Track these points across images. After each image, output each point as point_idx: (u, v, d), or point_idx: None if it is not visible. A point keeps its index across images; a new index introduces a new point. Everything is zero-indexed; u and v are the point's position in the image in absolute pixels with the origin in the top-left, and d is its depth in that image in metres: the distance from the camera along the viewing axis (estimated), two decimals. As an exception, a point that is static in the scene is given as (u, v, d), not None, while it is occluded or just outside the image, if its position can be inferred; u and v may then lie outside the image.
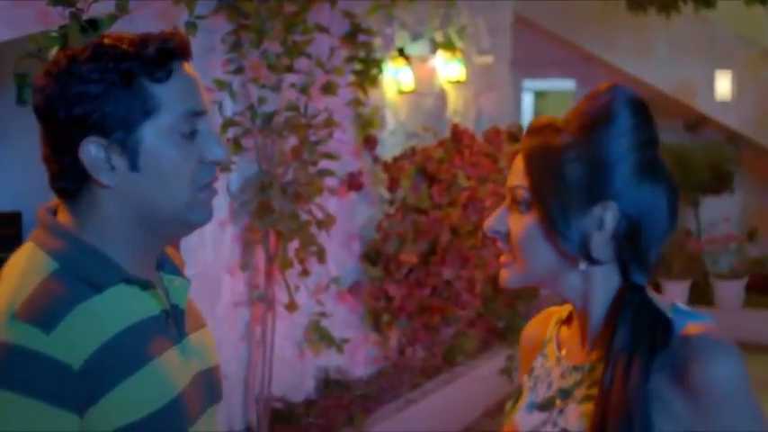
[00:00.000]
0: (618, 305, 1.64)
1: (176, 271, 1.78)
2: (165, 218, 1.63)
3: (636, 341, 1.59)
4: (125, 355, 1.56)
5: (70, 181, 1.62)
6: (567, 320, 1.81)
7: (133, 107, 1.58)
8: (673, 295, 9.86)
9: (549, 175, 1.63)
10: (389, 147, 6.99)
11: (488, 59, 8.80)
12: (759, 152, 10.81)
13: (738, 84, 10.66)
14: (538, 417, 1.71)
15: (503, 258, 1.70)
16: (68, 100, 1.57)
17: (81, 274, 1.58)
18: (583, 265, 1.64)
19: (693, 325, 1.61)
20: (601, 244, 1.63)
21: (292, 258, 5.42)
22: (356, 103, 6.17)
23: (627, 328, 1.60)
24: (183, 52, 1.64)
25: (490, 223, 1.70)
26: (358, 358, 6.67)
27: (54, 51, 3.73)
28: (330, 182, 5.77)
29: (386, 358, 6.83)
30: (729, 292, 10.22)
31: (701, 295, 10.22)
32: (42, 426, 1.47)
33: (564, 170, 1.62)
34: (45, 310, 1.51)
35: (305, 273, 5.49)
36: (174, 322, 1.70)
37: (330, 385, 6.27)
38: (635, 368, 1.56)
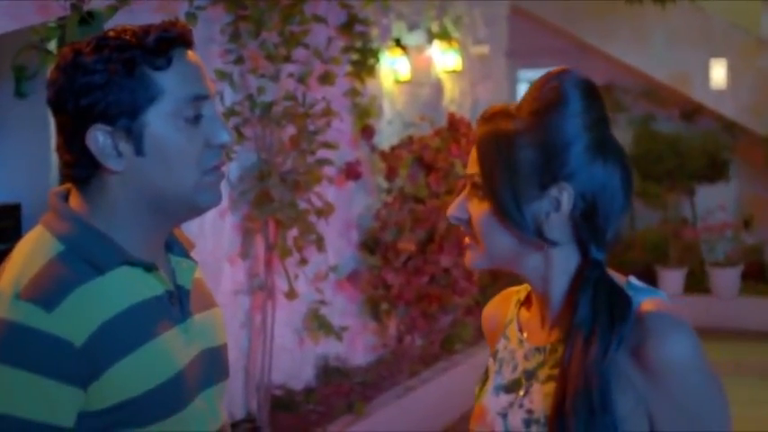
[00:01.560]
0: (577, 282, 1.66)
1: (184, 253, 1.83)
2: (173, 201, 1.68)
3: (595, 316, 1.62)
4: (126, 333, 1.62)
5: (81, 168, 1.68)
6: (526, 302, 1.83)
7: (136, 94, 1.63)
8: (669, 283, 9.93)
9: (499, 162, 1.65)
10: (387, 136, 7.03)
11: (484, 49, 8.84)
12: (754, 140, 10.84)
13: (734, 72, 10.69)
14: (505, 398, 1.73)
15: (466, 241, 1.73)
16: (75, 91, 1.63)
17: (85, 256, 1.63)
18: (544, 247, 1.67)
19: (648, 301, 1.63)
20: (558, 225, 1.65)
21: (291, 247, 5.46)
22: (353, 92, 6.21)
23: (586, 303, 1.63)
24: (184, 40, 1.68)
25: (451, 210, 1.73)
26: (357, 346, 6.71)
27: (53, 43, 3.77)
28: (328, 171, 5.81)
29: (384, 346, 6.88)
30: (725, 279, 10.25)
31: (697, 283, 10.26)
32: (45, 399, 1.53)
33: (515, 155, 1.64)
34: (47, 290, 1.57)
35: (304, 261, 5.53)
36: (179, 302, 1.75)
37: (329, 373, 6.32)
38: (594, 343, 1.59)
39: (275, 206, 5.32)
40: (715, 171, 10.51)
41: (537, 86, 1.69)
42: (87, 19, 3.68)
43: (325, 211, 5.56)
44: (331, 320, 5.94)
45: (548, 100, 1.65)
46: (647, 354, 1.57)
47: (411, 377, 6.55)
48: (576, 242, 1.68)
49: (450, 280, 6.53)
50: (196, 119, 1.67)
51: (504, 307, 1.87)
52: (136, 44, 1.64)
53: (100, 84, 1.62)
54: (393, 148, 6.73)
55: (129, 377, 1.60)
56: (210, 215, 5.27)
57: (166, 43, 1.65)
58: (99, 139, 1.64)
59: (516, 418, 1.69)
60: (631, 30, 10.77)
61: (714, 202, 10.75)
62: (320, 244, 5.49)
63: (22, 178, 7.18)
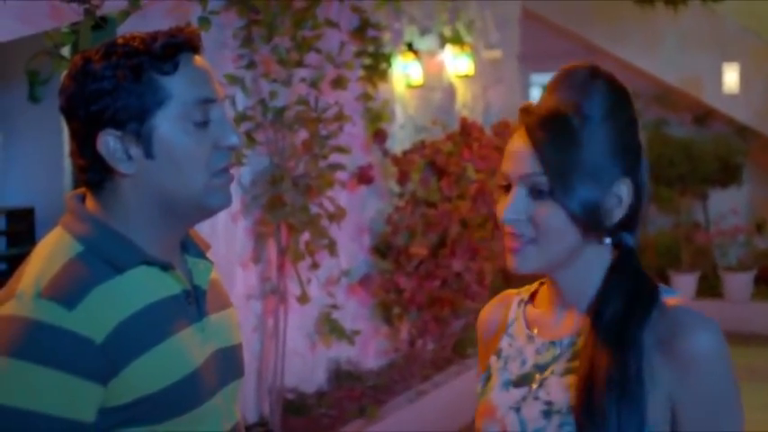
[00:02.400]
0: (614, 271, 1.72)
1: (201, 254, 1.87)
2: (184, 203, 1.72)
3: (630, 300, 1.68)
4: (144, 330, 1.66)
5: (95, 173, 1.72)
6: (531, 301, 1.86)
7: (144, 99, 1.67)
8: (681, 287, 9.91)
9: (568, 161, 1.67)
10: (399, 140, 7.04)
11: (496, 54, 8.84)
12: (767, 144, 10.83)
13: (746, 76, 10.68)
14: (516, 392, 1.75)
15: (515, 245, 1.72)
16: (85, 98, 1.68)
17: (104, 256, 1.68)
18: (606, 240, 1.72)
19: (672, 297, 1.69)
20: (618, 218, 1.71)
21: (304, 251, 5.47)
22: (366, 97, 6.22)
23: (620, 289, 1.69)
24: (191, 45, 1.73)
25: (508, 213, 1.71)
26: (369, 350, 6.72)
27: (67, 48, 3.79)
28: (341, 175, 5.82)
29: (396, 350, 6.89)
30: (738, 284, 10.24)
31: (709, 287, 10.25)
32: (67, 395, 1.57)
33: (585, 154, 1.67)
34: (68, 288, 1.61)
35: (316, 265, 5.54)
36: (196, 302, 1.79)
37: (341, 377, 6.33)
38: (628, 325, 1.65)
39: (287, 210, 5.34)
40: (727, 175, 10.49)
41: (582, 81, 1.71)
42: (101, 24, 3.70)
43: (337, 216, 5.57)
44: (343, 324, 5.96)
45: (616, 97, 1.72)
46: (676, 345, 1.62)
47: (423, 381, 6.55)
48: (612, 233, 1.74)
49: (462, 284, 6.54)
50: (204, 122, 1.71)
51: (505, 308, 1.90)
52: (143, 50, 1.68)
53: (108, 90, 1.67)
54: (405, 153, 6.74)
55: (147, 374, 1.64)
56: (223, 219, 5.29)
57: (173, 48, 1.69)
58: (109, 143, 1.68)
59: (532, 410, 1.71)
60: (643, 33, 10.76)
61: (726, 207, 10.74)
62: (332, 248, 5.50)
63: (36, 183, 7.21)
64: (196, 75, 1.72)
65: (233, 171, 1.78)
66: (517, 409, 1.73)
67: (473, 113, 8.19)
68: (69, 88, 1.70)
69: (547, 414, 1.68)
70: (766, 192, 11.18)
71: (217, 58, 5.07)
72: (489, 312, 1.95)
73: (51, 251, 1.69)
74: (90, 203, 1.76)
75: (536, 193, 1.69)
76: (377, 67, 6.20)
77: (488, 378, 1.84)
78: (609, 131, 1.69)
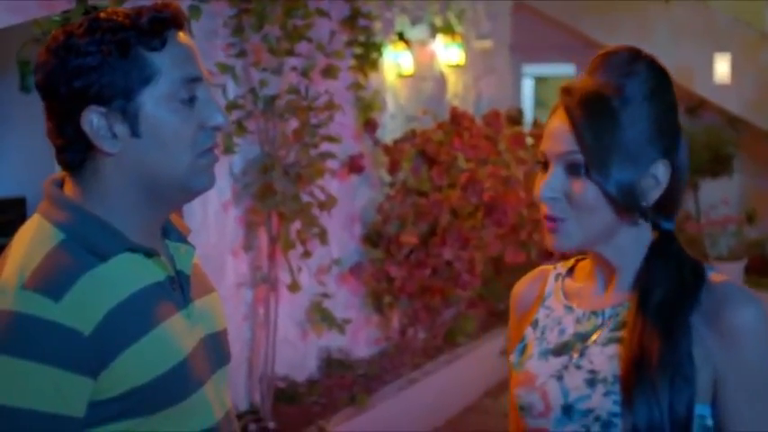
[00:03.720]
0: (657, 252, 1.77)
1: (182, 238, 1.82)
2: (168, 183, 1.67)
3: (679, 281, 1.73)
4: (132, 320, 1.61)
5: (75, 153, 1.66)
6: (569, 275, 1.90)
7: (131, 75, 1.62)
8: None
9: (608, 140, 1.70)
10: (390, 130, 7.05)
11: (487, 44, 8.85)
12: (758, 135, 10.85)
13: (737, 67, 10.69)
14: (556, 361, 1.77)
15: (552, 225, 1.75)
16: (68, 74, 1.61)
17: (86, 244, 1.62)
18: (643, 220, 1.76)
19: (715, 274, 1.76)
20: (655, 200, 1.75)
21: (295, 240, 5.48)
22: (357, 86, 6.23)
23: (669, 271, 1.74)
24: (176, 22, 1.68)
25: (544, 191, 1.74)
26: (360, 339, 6.73)
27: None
28: (331, 164, 5.83)
29: (387, 339, 6.90)
30: (729, 273, 9.91)
31: (700, 277, 10.26)
32: (57, 390, 1.52)
33: (625, 133, 1.70)
34: (53, 279, 1.55)
35: (307, 254, 5.55)
36: (180, 288, 1.74)
37: (332, 365, 6.34)
38: (678, 305, 1.70)
39: (278, 199, 5.34)
40: (718, 165, 10.51)
41: (628, 65, 1.77)
42: (91, 12, 3.71)
43: (328, 204, 5.58)
44: (334, 313, 5.96)
45: (657, 80, 1.76)
46: (723, 319, 1.68)
47: (413, 370, 6.57)
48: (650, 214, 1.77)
49: (453, 273, 6.56)
50: (191, 100, 1.66)
51: (542, 282, 1.92)
52: (130, 25, 1.62)
53: (93, 66, 1.61)
54: (396, 142, 6.75)
55: (138, 364, 1.59)
56: (214, 208, 5.30)
57: (160, 24, 1.64)
58: (94, 120, 1.62)
59: (576, 378, 1.73)
60: (635, 24, 10.77)
61: (717, 197, 10.76)
62: (323, 237, 5.51)
63: (27, 172, 7.20)
64: (183, 52, 1.67)
65: (221, 156, 1.76)
66: (559, 378, 1.75)
67: (464, 103, 8.20)
68: (49, 64, 1.63)
69: (591, 383, 1.71)
70: (757, 182, 11.21)
71: (207, 46, 5.08)
72: (525, 286, 1.97)
73: (31, 241, 1.62)
74: (69, 188, 1.70)
75: (572, 171, 1.72)
76: (368, 57, 6.20)
77: (524, 349, 1.85)
78: (648, 113, 1.72)
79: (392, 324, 6.91)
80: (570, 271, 1.91)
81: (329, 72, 5.66)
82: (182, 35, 1.69)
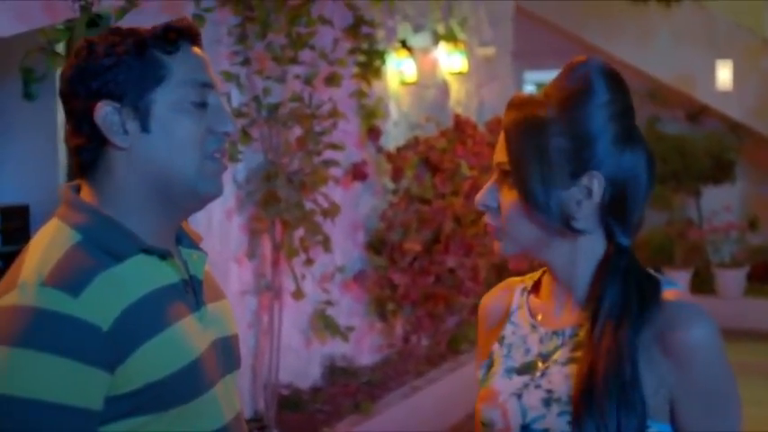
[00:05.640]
0: (605, 268, 1.71)
1: (194, 245, 1.87)
2: (176, 183, 1.72)
3: (626, 300, 1.68)
4: (147, 318, 1.65)
5: (89, 152, 1.73)
6: (534, 290, 1.86)
7: (145, 74, 1.70)
8: (674, 283, 9.94)
9: (529, 150, 1.69)
10: (393, 137, 7.06)
11: (490, 51, 8.86)
12: (760, 141, 10.86)
13: (739, 73, 10.69)
14: (519, 380, 1.75)
15: (490, 231, 1.77)
16: (87, 75, 1.70)
17: (102, 244, 1.67)
18: (572, 235, 1.72)
19: (669, 291, 1.70)
20: (588, 212, 1.70)
21: (298, 247, 5.49)
22: (360, 94, 6.24)
23: (616, 288, 1.69)
24: (190, 34, 1.77)
25: (480, 198, 1.76)
26: (363, 346, 6.74)
27: (61, 45, 3.80)
28: (335, 172, 5.84)
29: (391, 346, 6.90)
30: (731, 280, 10.27)
31: (702, 284, 10.27)
32: (76, 383, 1.56)
33: (545, 144, 1.68)
34: (71, 276, 1.60)
35: (310, 261, 5.55)
36: (193, 291, 1.79)
37: (336, 372, 6.34)
38: (625, 326, 1.65)
39: (282, 207, 5.35)
40: (720, 172, 10.52)
41: (564, 75, 1.73)
42: (96, 21, 3.72)
43: (331, 212, 5.59)
44: (337, 320, 5.97)
45: (575, 90, 1.70)
46: (674, 340, 1.64)
47: (417, 377, 6.57)
48: (603, 229, 1.73)
49: (456, 280, 6.56)
50: (202, 105, 1.73)
51: (509, 295, 1.89)
52: (146, 31, 1.73)
53: (109, 65, 1.69)
54: (399, 150, 6.76)
55: (152, 361, 1.63)
56: (218, 216, 5.31)
57: (175, 33, 1.73)
58: (107, 114, 1.69)
59: (533, 397, 1.71)
60: (636, 30, 10.79)
61: (719, 204, 10.77)
62: (327, 244, 5.52)
63: (31, 180, 7.21)
64: (195, 60, 1.75)
65: (228, 165, 1.79)
66: (519, 396, 1.73)
67: (467, 110, 8.21)
68: (71, 70, 1.73)
69: (547, 402, 1.69)
70: (759, 188, 11.21)
71: (211, 54, 5.04)
72: (492, 300, 1.93)
73: (50, 241, 1.68)
74: (85, 193, 1.76)
75: (502, 181, 1.73)
76: (371, 65, 6.21)
77: (491, 365, 1.83)
78: (578, 123, 1.68)
79: (395, 331, 6.91)
80: (536, 285, 1.87)
81: (332, 80, 5.67)
82: (196, 48, 1.78)
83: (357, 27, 6.10)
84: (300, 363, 6.08)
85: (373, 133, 6.56)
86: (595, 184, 1.69)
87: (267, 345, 5.55)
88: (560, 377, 1.70)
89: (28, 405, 1.54)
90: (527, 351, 1.79)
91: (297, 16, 5.30)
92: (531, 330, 1.81)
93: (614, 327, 1.66)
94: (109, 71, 1.69)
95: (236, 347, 1.91)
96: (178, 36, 1.73)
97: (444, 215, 6.47)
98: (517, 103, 1.74)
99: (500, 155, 1.73)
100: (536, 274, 1.88)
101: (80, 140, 1.73)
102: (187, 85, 1.72)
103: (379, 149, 6.72)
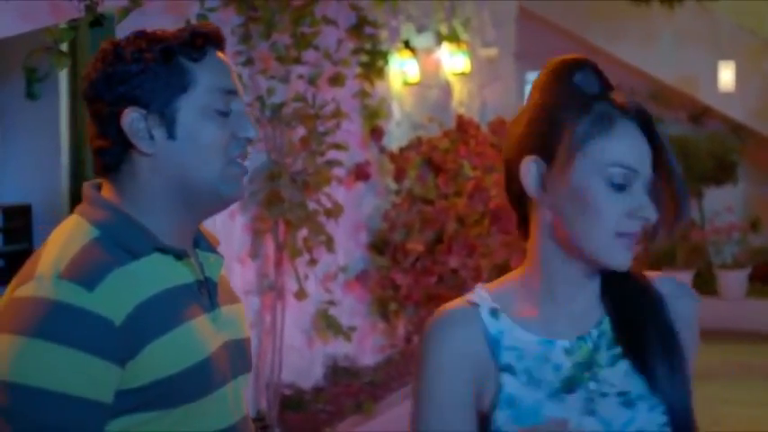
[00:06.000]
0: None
1: (211, 249, 1.89)
2: (200, 187, 1.75)
3: (637, 310, 1.74)
4: (161, 314, 1.68)
5: (113, 155, 1.76)
6: (503, 309, 1.73)
7: (171, 82, 1.73)
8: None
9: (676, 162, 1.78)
10: (396, 137, 7.07)
11: (493, 52, 8.87)
12: (762, 143, 10.86)
13: (741, 75, 10.69)
14: (575, 397, 1.67)
15: (631, 243, 1.71)
16: (113, 80, 1.73)
17: (120, 241, 1.70)
18: None
19: (649, 272, 1.81)
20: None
21: (301, 247, 5.50)
22: (363, 94, 6.25)
23: (623, 300, 1.76)
24: (216, 40, 1.79)
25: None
26: (366, 346, 6.75)
27: (65, 45, 3.80)
28: (338, 172, 5.85)
29: (393, 346, 6.91)
30: (733, 281, 10.27)
31: (704, 285, 10.24)
32: (88, 375, 1.59)
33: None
34: (87, 270, 1.64)
35: (313, 261, 5.56)
36: (207, 293, 1.81)
37: (338, 372, 6.35)
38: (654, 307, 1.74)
39: (285, 207, 5.36)
40: (722, 173, 10.52)
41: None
42: (100, 21, 3.72)
43: (334, 212, 5.60)
44: (340, 320, 5.98)
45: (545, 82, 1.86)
46: (682, 308, 1.76)
47: (419, 377, 6.56)
48: None
49: (459, 281, 6.56)
50: (226, 112, 1.76)
51: (475, 327, 1.72)
52: (172, 37, 1.75)
53: (136, 72, 1.72)
54: (402, 150, 6.77)
55: (163, 357, 1.66)
56: (221, 216, 5.29)
57: (201, 38, 1.75)
58: (134, 121, 1.72)
59: (610, 406, 1.66)
60: (639, 32, 10.79)
61: (721, 205, 10.76)
62: (330, 244, 5.53)
63: (33, 179, 7.21)
64: (221, 67, 1.78)
65: (246, 164, 1.81)
66: (592, 412, 1.66)
67: (469, 111, 8.21)
68: (96, 72, 1.74)
69: (630, 403, 1.66)
70: (761, 190, 11.21)
71: (215, 54, 5.08)
72: (457, 341, 1.71)
73: (68, 236, 1.71)
74: (106, 192, 1.79)
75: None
76: (374, 65, 6.22)
77: (512, 400, 1.67)
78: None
79: (398, 332, 6.92)
80: (496, 304, 1.73)
81: (336, 80, 5.68)
82: (220, 54, 1.81)
83: (360, 27, 6.11)
84: (303, 363, 6.09)
85: (376, 133, 6.58)
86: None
87: (270, 344, 5.56)
88: (621, 375, 1.68)
89: (41, 395, 1.57)
90: (557, 368, 1.69)
91: (301, 16, 5.31)
92: (546, 347, 1.71)
93: (648, 317, 1.73)
94: (136, 77, 1.72)
95: (247, 351, 1.93)
96: (205, 42, 1.76)
97: (447, 215, 6.47)
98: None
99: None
100: (483, 296, 1.74)
101: (104, 143, 1.76)
102: (213, 93, 1.75)
103: (382, 150, 6.73)
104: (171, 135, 1.73)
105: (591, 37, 10.94)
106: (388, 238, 6.55)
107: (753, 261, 10.45)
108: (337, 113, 5.56)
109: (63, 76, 5.68)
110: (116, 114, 1.72)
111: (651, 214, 1.67)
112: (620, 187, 1.66)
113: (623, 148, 1.67)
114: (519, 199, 1.74)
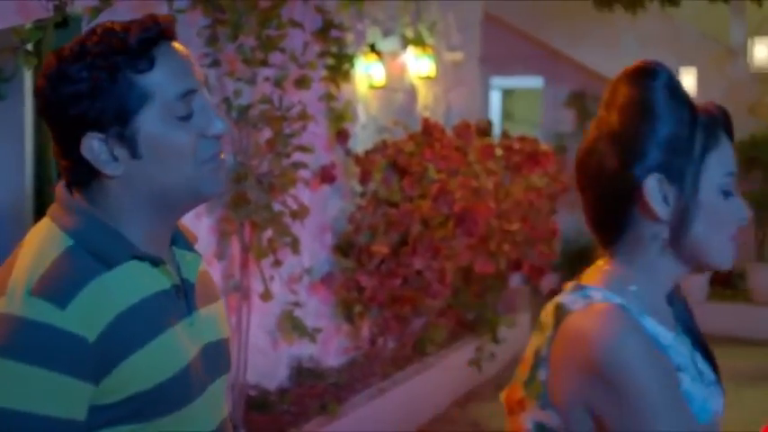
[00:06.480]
0: None
1: (189, 246, 1.85)
2: (176, 194, 1.70)
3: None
4: (136, 327, 1.63)
5: (80, 174, 1.69)
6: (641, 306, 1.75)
7: (124, 100, 1.63)
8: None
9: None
10: (361, 140, 7.10)
11: (458, 56, 8.92)
12: (723, 148, 10.97)
13: (703, 81, 10.81)
14: (718, 389, 1.79)
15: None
16: (63, 102, 1.64)
17: (95, 249, 1.65)
18: None
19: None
20: None
21: (267, 249, 5.51)
22: (329, 97, 6.27)
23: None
24: (166, 34, 1.68)
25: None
26: (330, 348, 6.77)
27: (32, 45, 3.80)
28: (304, 174, 5.87)
29: (357, 348, 6.94)
30: (693, 285, 10.35)
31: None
32: (60, 395, 1.55)
33: None
34: (59, 286, 1.58)
35: (278, 263, 5.57)
36: (185, 296, 1.77)
37: (303, 374, 6.37)
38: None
39: (251, 208, 5.37)
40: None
41: None
42: (66, 20, 3.73)
43: (299, 214, 5.62)
44: (305, 322, 5.99)
45: None
46: None
47: (383, 379, 6.61)
48: None
49: (423, 282, 6.60)
50: (188, 115, 1.67)
51: (639, 328, 1.66)
52: (119, 48, 1.63)
53: (85, 93, 1.62)
54: (367, 153, 6.79)
55: (139, 371, 1.62)
56: (187, 217, 5.30)
57: (148, 43, 1.65)
58: (94, 147, 1.65)
59: (719, 395, 1.79)
60: (602, 37, 10.89)
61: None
62: (295, 246, 5.55)
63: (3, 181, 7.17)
64: (175, 66, 1.67)
65: (222, 155, 1.74)
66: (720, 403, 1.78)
67: (434, 115, 8.26)
68: (44, 91, 1.66)
69: (721, 392, 1.78)
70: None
71: (182, 56, 5.09)
72: (649, 346, 1.63)
73: (40, 245, 1.65)
74: (78, 195, 1.72)
75: None
76: (340, 68, 6.24)
77: (689, 398, 1.69)
78: None
79: (362, 333, 6.95)
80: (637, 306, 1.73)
81: (302, 83, 5.70)
82: (174, 46, 1.70)
83: (326, 30, 6.13)
84: (268, 364, 6.10)
85: (342, 136, 6.60)
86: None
87: (235, 346, 5.56)
88: (704, 364, 1.80)
89: (11, 416, 1.53)
90: (693, 362, 1.76)
91: (267, 19, 5.33)
92: (679, 342, 1.77)
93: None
94: (86, 99, 1.63)
95: (226, 351, 1.89)
96: (153, 45, 1.65)
97: (412, 218, 6.50)
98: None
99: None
100: (614, 299, 1.70)
101: (69, 164, 1.69)
102: (170, 101, 1.66)
103: (348, 152, 6.76)
104: (135, 154, 1.66)
105: (554, 42, 11.03)
106: (353, 240, 6.58)
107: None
108: (303, 116, 5.58)
109: (28, 77, 5.67)
110: (73, 138, 1.65)
111: (749, 213, 1.73)
112: (729, 193, 1.70)
113: (730, 157, 1.72)
114: (617, 211, 1.73)
